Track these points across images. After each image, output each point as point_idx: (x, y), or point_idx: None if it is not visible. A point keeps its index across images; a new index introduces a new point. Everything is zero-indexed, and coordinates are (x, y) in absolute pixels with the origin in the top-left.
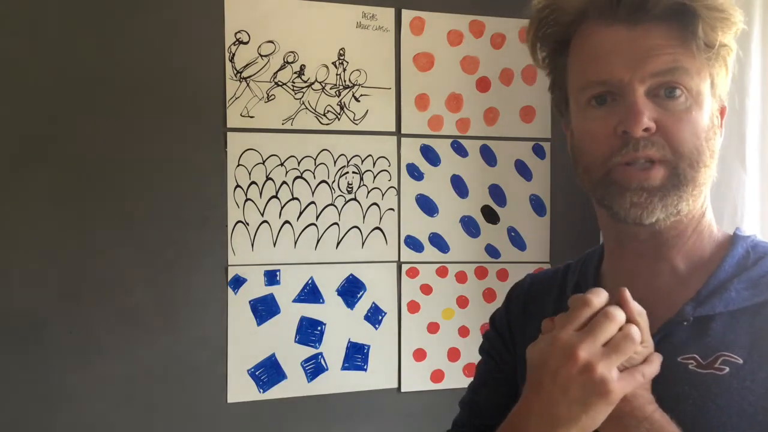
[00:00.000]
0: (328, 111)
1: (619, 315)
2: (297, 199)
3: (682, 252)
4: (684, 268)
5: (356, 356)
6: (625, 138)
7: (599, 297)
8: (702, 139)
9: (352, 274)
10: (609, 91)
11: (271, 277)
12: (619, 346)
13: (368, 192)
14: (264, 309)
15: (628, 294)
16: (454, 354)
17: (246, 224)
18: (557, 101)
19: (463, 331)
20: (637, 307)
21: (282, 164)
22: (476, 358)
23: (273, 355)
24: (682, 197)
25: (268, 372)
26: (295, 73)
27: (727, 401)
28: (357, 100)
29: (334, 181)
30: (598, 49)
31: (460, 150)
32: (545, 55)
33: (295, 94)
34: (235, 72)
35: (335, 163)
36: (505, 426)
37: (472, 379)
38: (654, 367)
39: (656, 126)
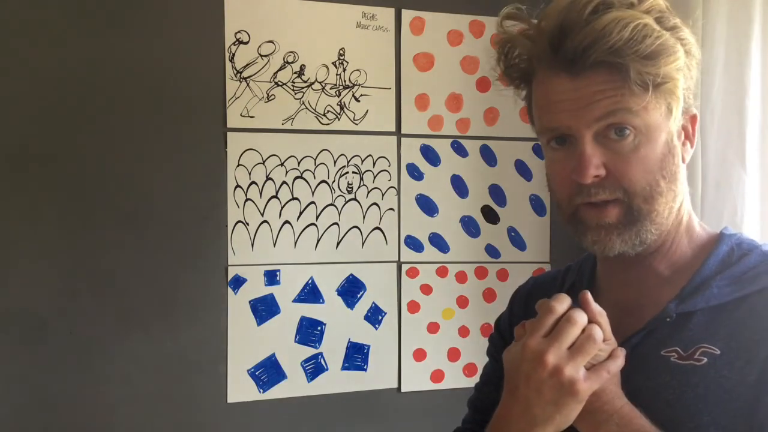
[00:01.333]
0: (328, 111)
1: (581, 318)
2: (297, 199)
3: (664, 261)
4: (668, 274)
5: (356, 356)
6: (579, 185)
7: (562, 303)
8: (654, 172)
9: (352, 274)
10: (562, 135)
11: (271, 277)
12: (583, 348)
13: (368, 192)
14: (264, 309)
15: (589, 296)
16: (454, 354)
17: (246, 224)
18: (532, 122)
19: (463, 331)
20: (597, 308)
21: (282, 164)
22: (476, 358)
23: (273, 355)
24: (640, 231)
25: (268, 372)
26: (295, 73)
27: (704, 389)
28: (357, 100)
29: (334, 181)
30: (547, 98)
31: (460, 150)
32: (515, 84)
33: (295, 94)
34: (235, 72)
35: (335, 163)
36: (490, 428)
37: (471, 378)
38: (618, 362)
39: (606, 170)
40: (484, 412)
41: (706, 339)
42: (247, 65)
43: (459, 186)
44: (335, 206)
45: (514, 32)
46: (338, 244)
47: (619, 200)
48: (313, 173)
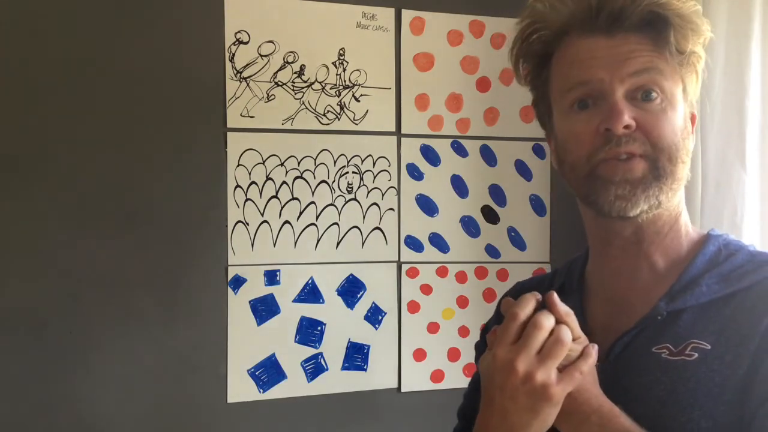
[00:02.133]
0: (328, 111)
1: (547, 322)
2: (297, 199)
3: (660, 249)
4: (662, 265)
5: (356, 356)
6: (607, 135)
7: (525, 307)
8: (679, 136)
9: (352, 274)
10: (590, 95)
11: (271, 277)
12: (552, 351)
13: (368, 192)
14: (264, 309)
15: (555, 298)
16: (454, 354)
17: (246, 224)
18: (541, 114)
19: (463, 331)
20: (563, 309)
21: (282, 164)
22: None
23: (273, 355)
24: (662, 189)
25: (268, 372)
26: (295, 73)
27: (695, 383)
28: (357, 100)
29: (334, 181)
30: (580, 54)
31: (460, 150)
32: (528, 72)
33: (295, 94)
34: (235, 72)
35: (335, 163)
36: None
37: (472, 378)
38: (590, 361)
39: (636, 124)
40: (474, 420)
41: (697, 335)
42: (247, 65)
43: (459, 186)
44: (335, 206)
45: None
46: (338, 244)
47: (646, 156)
48: (313, 173)
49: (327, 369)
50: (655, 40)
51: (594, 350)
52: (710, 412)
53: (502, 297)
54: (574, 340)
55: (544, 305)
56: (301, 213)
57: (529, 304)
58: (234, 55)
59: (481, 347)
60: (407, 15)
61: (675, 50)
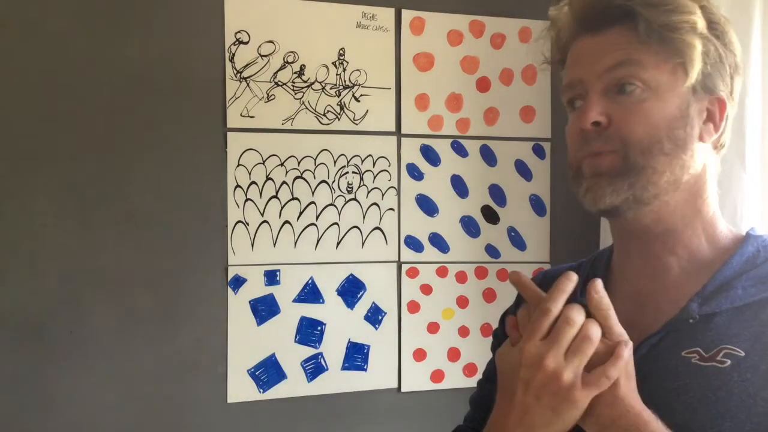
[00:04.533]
0: (328, 111)
1: (578, 317)
2: (297, 199)
3: (680, 245)
4: (687, 264)
5: (356, 356)
6: (583, 134)
7: (557, 302)
8: (659, 128)
9: (352, 274)
10: (578, 94)
11: (271, 277)
12: (579, 349)
13: (368, 192)
14: (264, 309)
15: (598, 285)
16: (454, 354)
17: (246, 224)
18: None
19: (463, 331)
20: (606, 302)
21: (282, 164)
22: (476, 358)
23: (273, 355)
24: (633, 184)
25: (268, 372)
26: (295, 73)
27: (726, 393)
28: (357, 100)
29: (334, 181)
30: (571, 57)
31: (460, 150)
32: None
33: (295, 94)
34: (235, 72)
35: (335, 163)
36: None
37: (472, 378)
38: (620, 364)
39: (609, 119)
40: (486, 409)
41: (730, 340)
42: (247, 65)
43: (459, 186)
44: (335, 206)
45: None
46: (338, 244)
47: (616, 152)
48: (313, 173)
49: (327, 369)
50: (634, 30)
51: (627, 351)
52: (742, 424)
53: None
54: (606, 336)
55: (574, 294)
56: (301, 213)
57: (560, 298)
58: (234, 55)
59: (500, 335)
60: (407, 15)
61: (644, 34)
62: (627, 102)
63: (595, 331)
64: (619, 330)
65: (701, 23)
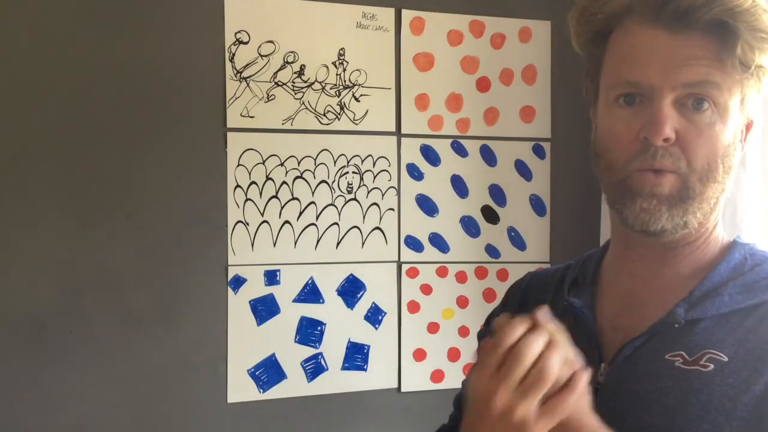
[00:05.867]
0: (328, 111)
1: (532, 348)
2: (297, 199)
3: (689, 259)
4: (684, 272)
5: (356, 356)
6: (645, 144)
7: (512, 333)
8: (718, 155)
9: (352, 274)
10: (639, 92)
11: (271, 277)
12: (534, 384)
13: (368, 192)
14: (264, 309)
15: (542, 317)
16: (454, 354)
17: (246, 224)
18: (588, 90)
19: (463, 331)
20: (551, 328)
21: (282, 164)
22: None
23: (273, 355)
24: (687, 210)
25: (268, 372)
26: (295, 73)
27: (707, 396)
28: (357, 100)
29: (334, 181)
30: (635, 49)
31: (460, 150)
32: (584, 43)
33: (295, 94)
34: (235, 72)
35: (335, 163)
36: None
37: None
38: (577, 391)
39: (677, 137)
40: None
41: (714, 345)
42: (247, 65)
43: (459, 186)
44: (335, 206)
45: None
46: (338, 244)
47: (677, 173)
48: (313, 173)
49: (327, 369)
50: (719, 47)
51: (583, 379)
52: (720, 427)
53: (512, 286)
54: (564, 362)
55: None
56: (301, 213)
57: (518, 329)
58: (234, 55)
59: (484, 336)
60: (407, 15)
61: (738, 63)
62: (699, 122)
63: (554, 364)
64: (572, 356)
65: None
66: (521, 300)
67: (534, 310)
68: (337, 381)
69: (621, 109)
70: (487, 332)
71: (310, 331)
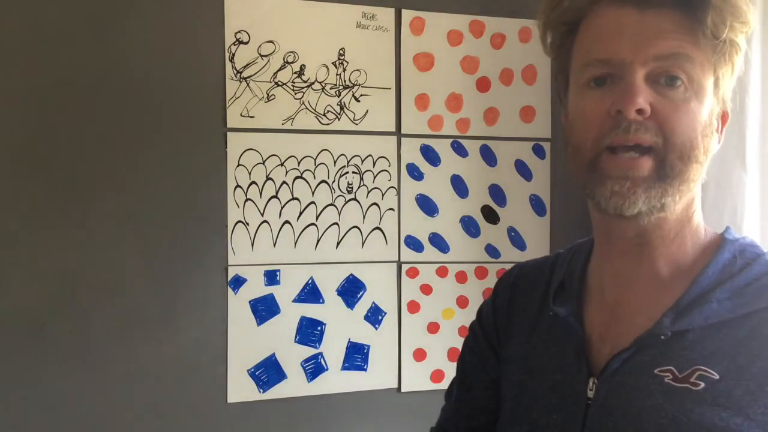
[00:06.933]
0: (328, 111)
1: None
2: (297, 199)
3: (665, 255)
4: (666, 273)
5: (356, 356)
6: (617, 119)
7: None
8: (698, 132)
9: (352, 274)
10: (609, 73)
11: (271, 277)
12: None
13: (368, 192)
14: (264, 309)
15: None
16: (454, 354)
17: (246, 224)
18: (559, 87)
19: (463, 331)
20: None
21: (282, 164)
22: None
23: (273, 355)
24: (666, 191)
25: (268, 372)
26: (295, 73)
27: (699, 416)
28: (357, 100)
29: (334, 181)
30: (605, 27)
31: (460, 150)
32: (553, 40)
33: (295, 94)
34: (235, 72)
35: (335, 163)
36: None
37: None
38: None
39: (652, 111)
40: (471, 417)
41: (705, 361)
42: (247, 65)
43: (459, 186)
44: (335, 206)
45: None
46: (338, 244)
47: (654, 151)
48: (313, 173)
49: (327, 369)
50: (690, 21)
51: None
52: None
53: (501, 279)
54: None
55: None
56: (301, 213)
57: None
58: (234, 55)
59: (475, 329)
60: (407, 15)
61: (710, 34)
62: (674, 97)
63: None
64: None
65: (749, 32)
66: (509, 300)
67: (521, 311)
68: (337, 381)
69: (592, 90)
70: (480, 329)
71: (310, 331)
